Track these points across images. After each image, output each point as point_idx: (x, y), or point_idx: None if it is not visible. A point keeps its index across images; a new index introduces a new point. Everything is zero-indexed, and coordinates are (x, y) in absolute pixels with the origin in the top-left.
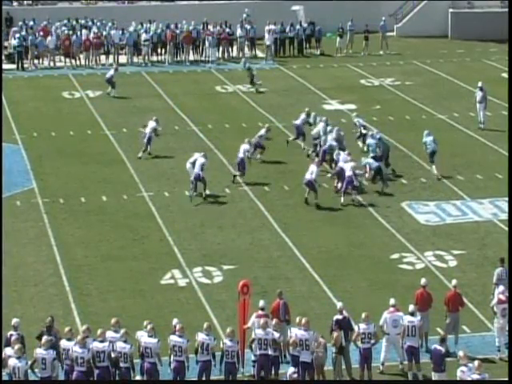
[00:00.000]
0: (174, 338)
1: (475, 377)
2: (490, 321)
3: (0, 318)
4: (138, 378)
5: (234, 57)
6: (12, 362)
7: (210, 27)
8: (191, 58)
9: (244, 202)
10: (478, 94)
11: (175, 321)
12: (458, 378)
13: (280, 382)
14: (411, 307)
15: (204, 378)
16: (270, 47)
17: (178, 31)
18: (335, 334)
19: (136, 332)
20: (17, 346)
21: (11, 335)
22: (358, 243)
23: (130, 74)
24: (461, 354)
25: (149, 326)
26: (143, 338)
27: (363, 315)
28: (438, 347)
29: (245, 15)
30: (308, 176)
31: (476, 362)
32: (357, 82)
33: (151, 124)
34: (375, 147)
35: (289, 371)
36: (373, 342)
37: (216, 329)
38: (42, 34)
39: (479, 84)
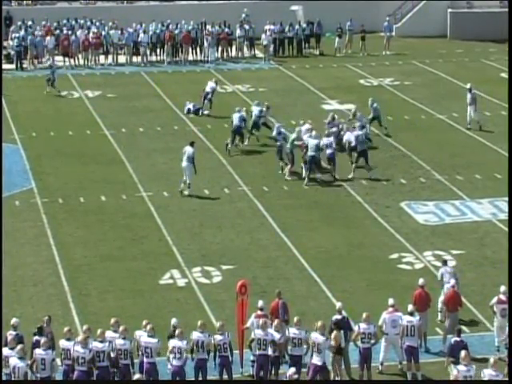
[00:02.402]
0: (173, 342)
1: (490, 373)
2: (489, 320)
3: (0, 317)
4: (137, 376)
5: (233, 57)
6: (13, 361)
7: (209, 27)
8: (190, 57)
9: (243, 201)
10: (468, 96)
11: (174, 321)
12: (453, 378)
13: (280, 382)
14: (410, 307)
15: (200, 376)
16: (267, 47)
17: (176, 31)
18: (333, 334)
19: (134, 332)
20: (19, 346)
21: (10, 335)
22: (357, 243)
23: (129, 73)
24: (462, 354)
25: (148, 326)
26: (143, 337)
27: (364, 315)
28: (458, 339)
29: (244, 15)
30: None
31: (492, 359)
32: (356, 82)
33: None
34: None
35: (289, 371)
36: (373, 341)
37: (215, 329)
38: (42, 33)
39: (468, 86)
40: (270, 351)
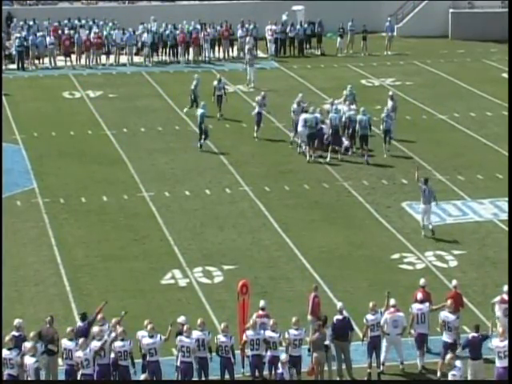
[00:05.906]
0: (181, 340)
1: (498, 343)
2: (490, 320)
3: (0, 317)
4: (143, 376)
5: (234, 57)
6: (27, 360)
7: (208, 28)
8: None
9: (244, 201)
10: (389, 104)
11: (181, 318)
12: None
13: (280, 382)
14: (419, 295)
15: (203, 375)
16: (250, 51)
17: (177, 31)
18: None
19: (136, 332)
20: (30, 344)
21: (14, 336)
22: (359, 243)
23: (130, 74)
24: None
25: (149, 326)
26: (144, 339)
27: (371, 304)
28: (476, 334)
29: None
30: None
31: (500, 329)
32: (357, 82)
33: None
34: None
35: (281, 357)
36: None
37: (216, 329)
38: (50, 33)
39: (390, 93)
40: (263, 351)
